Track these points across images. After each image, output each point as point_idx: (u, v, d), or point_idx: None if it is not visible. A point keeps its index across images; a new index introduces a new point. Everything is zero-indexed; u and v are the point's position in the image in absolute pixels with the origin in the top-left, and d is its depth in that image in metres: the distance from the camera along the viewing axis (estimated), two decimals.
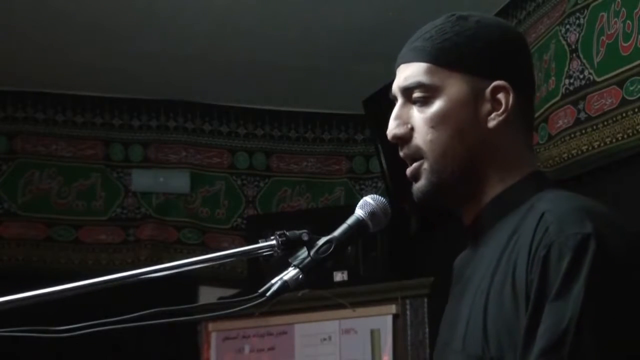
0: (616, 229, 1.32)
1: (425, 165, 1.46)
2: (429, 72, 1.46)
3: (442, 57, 1.45)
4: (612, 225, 1.32)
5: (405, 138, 1.47)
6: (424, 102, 1.46)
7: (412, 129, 1.47)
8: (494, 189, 1.45)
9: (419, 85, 1.46)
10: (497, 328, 1.32)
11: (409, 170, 1.48)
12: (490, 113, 1.45)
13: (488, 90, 1.45)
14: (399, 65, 1.51)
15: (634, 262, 1.30)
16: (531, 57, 1.56)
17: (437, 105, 1.45)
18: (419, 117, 1.46)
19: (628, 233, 1.34)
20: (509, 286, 1.33)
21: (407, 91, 1.48)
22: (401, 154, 1.49)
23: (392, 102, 1.52)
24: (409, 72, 1.48)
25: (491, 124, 1.45)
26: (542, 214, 1.33)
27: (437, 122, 1.44)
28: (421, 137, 1.45)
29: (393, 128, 1.48)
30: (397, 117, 1.48)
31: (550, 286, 1.27)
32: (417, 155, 1.46)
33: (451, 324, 1.47)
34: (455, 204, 1.50)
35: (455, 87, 1.45)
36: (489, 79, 1.45)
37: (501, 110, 1.45)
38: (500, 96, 1.45)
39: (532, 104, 1.53)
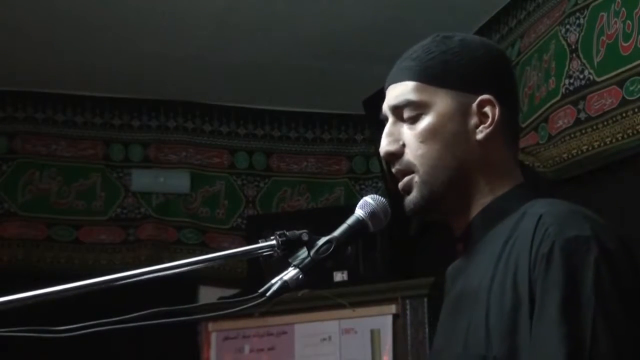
0: (609, 232, 1.38)
1: (417, 178, 1.50)
2: (417, 90, 1.51)
3: (429, 75, 1.51)
4: (604, 228, 1.38)
5: (398, 154, 1.52)
6: (414, 118, 1.51)
7: (403, 145, 1.52)
8: (485, 199, 1.50)
9: (409, 103, 1.51)
10: (500, 328, 1.35)
11: (400, 184, 1.53)
12: (478, 126, 1.50)
13: (475, 104, 1.50)
14: (388, 86, 1.56)
15: (629, 262, 1.36)
16: (514, 73, 1.63)
17: (426, 120, 1.50)
18: (409, 133, 1.51)
19: (618, 236, 1.40)
20: (510, 287, 1.36)
21: (397, 109, 1.53)
22: (393, 170, 1.54)
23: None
24: (398, 91, 1.53)
25: (479, 136, 1.50)
26: (540, 216, 1.38)
27: (427, 136, 1.49)
28: (412, 152, 1.51)
29: (385, 145, 1.53)
30: (389, 135, 1.53)
31: (556, 287, 1.31)
32: (409, 170, 1.51)
33: (448, 331, 1.50)
34: (447, 214, 1.54)
35: (443, 102, 1.50)
36: (475, 93, 1.50)
37: (488, 123, 1.50)
38: (487, 109, 1.50)
39: (517, 118, 1.58)
